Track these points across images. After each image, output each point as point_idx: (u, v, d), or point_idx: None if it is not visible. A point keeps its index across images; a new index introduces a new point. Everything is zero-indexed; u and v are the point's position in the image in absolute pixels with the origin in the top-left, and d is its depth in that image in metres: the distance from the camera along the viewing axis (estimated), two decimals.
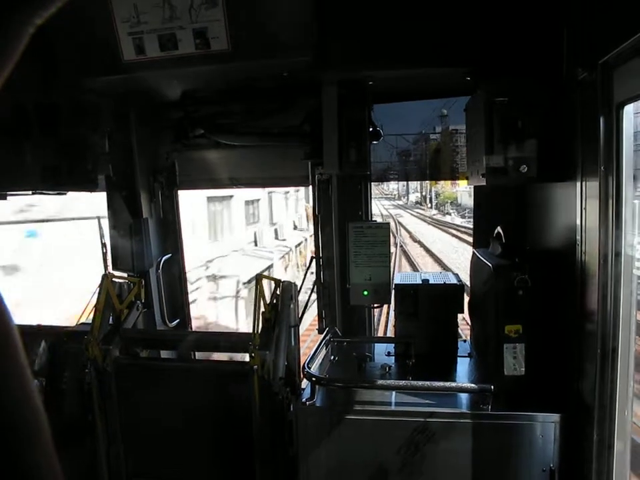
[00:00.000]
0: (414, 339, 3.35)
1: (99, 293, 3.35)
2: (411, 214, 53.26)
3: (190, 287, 5.00)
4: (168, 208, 4.52)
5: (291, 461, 3.02)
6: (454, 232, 34.12)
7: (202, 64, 3.14)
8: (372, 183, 4.09)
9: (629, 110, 2.09)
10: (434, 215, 50.65)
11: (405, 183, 61.43)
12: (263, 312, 3.13)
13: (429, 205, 57.60)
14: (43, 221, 11.71)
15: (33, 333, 3.75)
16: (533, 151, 2.65)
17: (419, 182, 52.87)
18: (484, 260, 3.02)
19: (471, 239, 4.93)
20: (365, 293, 3.70)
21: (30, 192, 3.70)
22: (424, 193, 61.91)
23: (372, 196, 4.12)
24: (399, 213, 53.42)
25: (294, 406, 3.06)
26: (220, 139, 4.09)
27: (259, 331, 3.06)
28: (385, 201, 68.54)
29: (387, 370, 3.21)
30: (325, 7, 3.03)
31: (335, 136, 3.53)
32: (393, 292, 3.62)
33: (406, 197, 71.74)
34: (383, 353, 3.56)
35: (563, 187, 2.60)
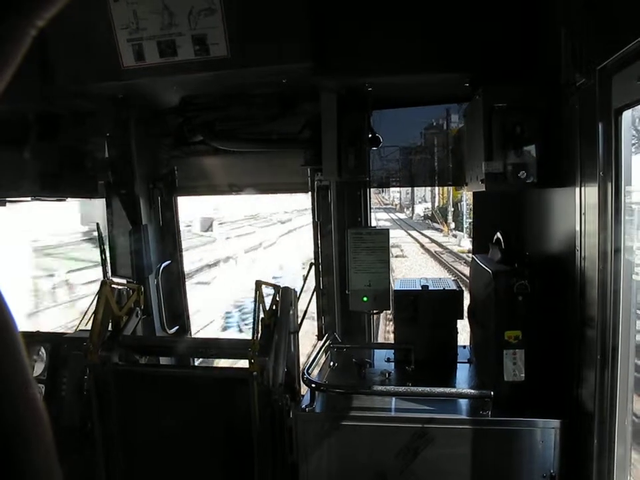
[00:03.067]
0: (413, 345, 3.35)
1: (98, 300, 3.35)
2: (421, 243, 32.37)
3: None
4: (167, 214, 4.52)
5: (291, 467, 3.01)
6: None
7: (201, 70, 3.14)
8: (371, 190, 4.10)
9: (627, 116, 2.09)
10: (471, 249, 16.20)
11: (408, 190, 48.77)
12: (262, 318, 3.12)
13: (452, 226, 36.29)
14: None
15: (32, 339, 3.75)
16: (532, 156, 2.65)
17: (429, 188, 41.53)
18: (483, 266, 3.02)
19: None
20: (365, 298, 3.71)
21: (30, 198, 3.70)
22: (439, 204, 43.57)
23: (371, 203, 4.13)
24: (398, 240, 31.74)
25: (293, 412, 3.05)
26: (219, 145, 4.10)
27: (259, 337, 3.06)
28: (382, 214, 53.35)
29: (387, 376, 3.20)
30: (323, 14, 3.05)
31: (334, 142, 3.54)
32: (392, 298, 3.62)
33: (410, 209, 55.25)
34: (382, 359, 3.56)
35: (562, 192, 2.61)
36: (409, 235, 37.49)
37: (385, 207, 62.26)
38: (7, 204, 3.86)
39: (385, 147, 4.11)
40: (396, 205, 63.42)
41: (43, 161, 3.55)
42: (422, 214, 50.60)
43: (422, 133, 4.52)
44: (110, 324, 3.40)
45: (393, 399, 2.95)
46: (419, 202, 52.77)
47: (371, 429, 2.81)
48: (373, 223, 4.15)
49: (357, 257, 3.69)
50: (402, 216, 54.53)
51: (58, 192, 3.77)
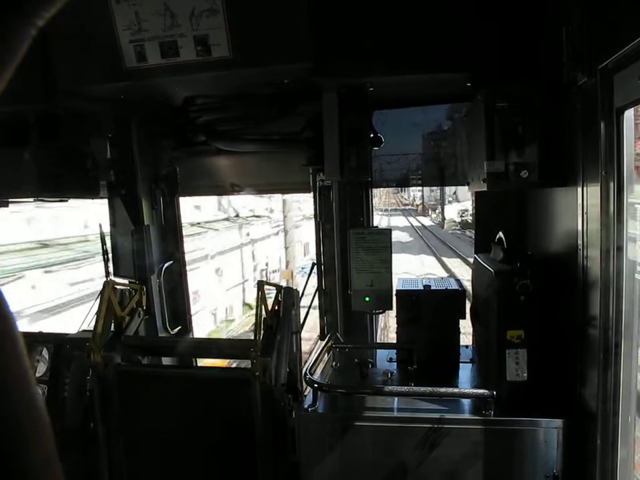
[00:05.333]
0: (416, 344, 3.35)
1: (101, 300, 3.35)
2: None
3: None
4: (169, 214, 4.53)
5: (293, 468, 3.01)
6: None
7: (203, 71, 3.14)
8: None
9: (629, 115, 2.09)
10: None
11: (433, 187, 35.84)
12: (264, 318, 3.12)
13: None
14: None
15: (35, 340, 3.75)
16: (533, 156, 2.65)
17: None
18: (485, 265, 3.02)
19: None
20: (367, 298, 3.70)
21: (31, 199, 3.71)
22: None
23: (374, 206, 4.13)
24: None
25: (296, 412, 3.06)
26: (221, 146, 4.10)
27: (261, 337, 3.06)
28: (399, 219, 40.94)
29: (389, 376, 3.20)
30: (324, 14, 3.04)
31: (335, 142, 3.53)
32: (394, 298, 3.61)
33: (438, 211, 41.98)
34: (384, 359, 3.56)
35: (564, 191, 2.61)
36: (445, 265, 23.98)
37: (404, 209, 53.03)
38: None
39: (386, 147, 4.11)
40: (417, 205, 52.12)
41: (44, 162, 3.55)
42: (458, 219, 36.80)
43: (423, 133, 4.51)
44: (112, 324, 3.40)
45: (395, 399, 2.95)
46: (449, 201, 40.26)
47: (374, 429, 2.81)
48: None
49: (358, 256, 3.69)
50: (426, 221, 40.72)
51: (60, 193, 3.77)
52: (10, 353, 0.64)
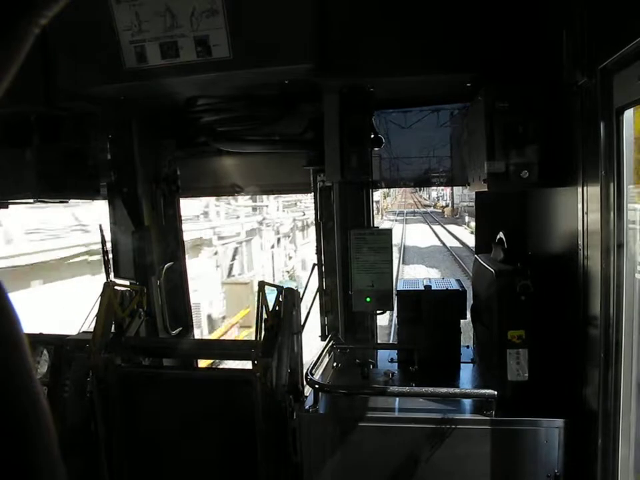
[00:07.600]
0: (417, 345, 3.35)
1: (101, 301, 3.35)
2: None
3: None
4: (170, 215, 4.52)
5: (295, 469, 3.01)
6: None
7: (203, 72, 3.14)
8: (373, 191, 4.09)
9: (628, 115, 2.09)
10: None
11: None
12: (265, 319, 3.12)
13: None
14: None
15: (35, 341, 3.75)
16: (534, 156, 2.65)
17: None
18: (486, 265, 3.02)
19: None
20: (368, 299, 3.70)
21: (31, 200, 3.71)
22: None
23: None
24: None
25: (297, 413, 3.05)
26: (222, 147, 4.10)
27: (262, 338, 3.06)
28: (419, 228, 34.14)
29: (390, 376, 3.21)
30: (326, 15, 3.05)
31: (336, 143, 3.53)
32: (395, 298, 3.61)
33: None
34: (385, 360, 3.56)
35: (564, 192, 2.61)
36: None
37: (425, 211, 44.17)
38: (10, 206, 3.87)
39: (387, 148, 4.11)
40: (442, 207, 41.57)
41: (45, 163, 3.55)
42: None
43: (424, 133, 4.51)
44: (113, 325, 3.40)
45: (397, 399, 2.95)
46: None
47: (375, 429, 2.81)
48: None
49: (359, 257, 3.69)
50: (465, 235, 29.20)
51: (60, 193, 3.77)
52: (14, 353, 0.64)
